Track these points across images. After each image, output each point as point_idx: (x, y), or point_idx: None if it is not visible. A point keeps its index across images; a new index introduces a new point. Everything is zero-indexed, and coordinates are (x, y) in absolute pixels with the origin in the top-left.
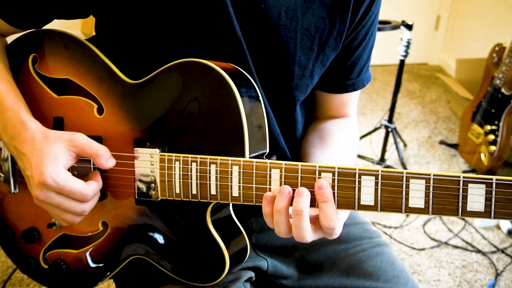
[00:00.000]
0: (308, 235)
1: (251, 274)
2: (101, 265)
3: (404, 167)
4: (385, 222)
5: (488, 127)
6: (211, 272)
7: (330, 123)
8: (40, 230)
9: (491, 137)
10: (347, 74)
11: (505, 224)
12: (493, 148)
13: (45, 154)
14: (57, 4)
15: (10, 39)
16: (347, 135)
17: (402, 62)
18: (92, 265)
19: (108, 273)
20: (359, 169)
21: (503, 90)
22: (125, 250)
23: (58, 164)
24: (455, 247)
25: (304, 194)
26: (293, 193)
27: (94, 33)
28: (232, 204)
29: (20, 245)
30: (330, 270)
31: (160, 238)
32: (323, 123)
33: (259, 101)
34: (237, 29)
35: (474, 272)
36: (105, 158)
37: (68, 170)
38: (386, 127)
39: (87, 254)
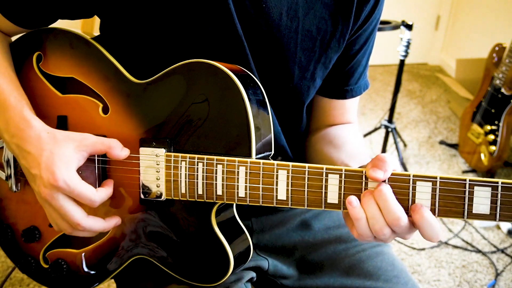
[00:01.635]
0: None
1: (253, 274)
2: (102, 265)
3: (404, 167)
4: None
5: (488, 127)
6: (215, 272)
7: (334, 129)
8: (41, 229)
9: (491, 137)
10: (346, 80)
11: (505, 224)
12: (493, 148)
13: (56, 155)
14: (62, 3)
15: (14, 37)
16: (355, 137)
17: (402, 62)
18: (94, 265)
19: (110, 274)
20: (366, 171)
21: (503, 90)
22: (128, 250)
23: (70, 167)
24: (455, 247)
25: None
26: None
27: (94, 33)
28: (235, 205)
29: (20, 244)
30: (330, 270)
31: (164, 239)
32: (328, 130)
33: (265, 103)
34: (239, 28)
35: (474, 272)
36: (119, 148)
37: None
38: (386, 127)
39: (89, 254)
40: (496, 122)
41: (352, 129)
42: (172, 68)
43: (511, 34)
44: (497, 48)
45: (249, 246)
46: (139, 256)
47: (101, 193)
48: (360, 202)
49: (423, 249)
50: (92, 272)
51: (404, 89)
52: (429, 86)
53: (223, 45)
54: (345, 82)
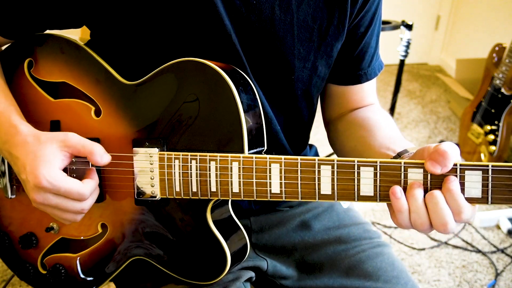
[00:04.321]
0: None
1: (251, 274)
2: (100, 268)
3: None
4: (385, 222)
5: (488, 127)
6: (212, 269)
7: (361, 112)
8: (38, 235)
9: (491, 137)
10: (358, 64)
11: (505, 224)
12: (493, 148)
13: (38, 157)
14: (49, 16)
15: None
16: (386, 120)
17: (402, 62)
18: (92, 268)
19: (108, 276)
20: (358, 160)
21: (503, 90)
22: (126, 252)
23: (52, 166)
24: (455, 247)
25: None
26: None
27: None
28: (231, 203)
29: (17, 251)
30: (330, 271)
31: (160, 238)
32: (354, 113)
33: (256, 99)
34: (228, 28)
35: (474, 272)
36: (99, 154)
37: (65, 170)
38: None
39: (86, 257)
40: (496, 122)
41: (379, 111)
42: (161, 68)
43: (511, 34)
44: (497, 48)
45: (246, 243)
46: (137, 257)
47: (89, 184)
48: (405, 193)
49: (423, 249)
50: (91, 275)
51: (404, 89)
52: (429, 86)
53: (213, 45)
54: (357, 67)
